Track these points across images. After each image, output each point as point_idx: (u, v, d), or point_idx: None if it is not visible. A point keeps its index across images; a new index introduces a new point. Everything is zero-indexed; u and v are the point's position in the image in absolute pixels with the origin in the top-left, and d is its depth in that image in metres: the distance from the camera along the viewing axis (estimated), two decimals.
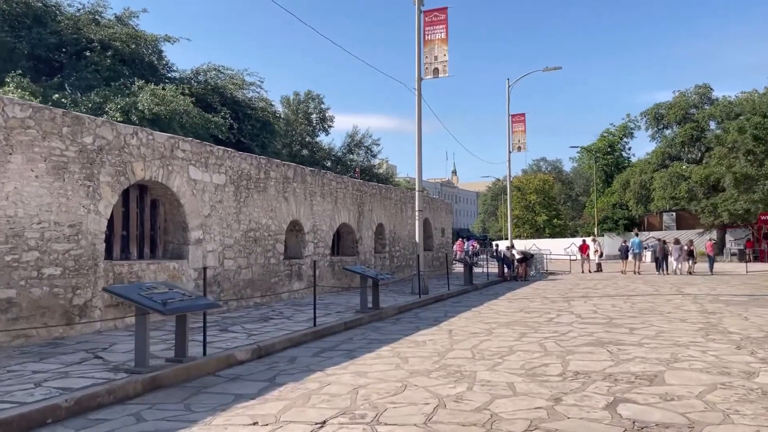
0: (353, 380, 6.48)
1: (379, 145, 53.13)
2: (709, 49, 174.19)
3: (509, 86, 29.95)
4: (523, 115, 30.26)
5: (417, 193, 16.86)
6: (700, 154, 44.21)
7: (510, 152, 29.91)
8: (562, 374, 6.49)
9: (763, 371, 6.34)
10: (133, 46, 23.45)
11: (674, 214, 49.41)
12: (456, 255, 35.79)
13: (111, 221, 10.33)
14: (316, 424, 4.92)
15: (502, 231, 73.88)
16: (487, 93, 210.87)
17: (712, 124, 43.22)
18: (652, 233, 50.39)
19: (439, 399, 5.58)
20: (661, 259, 26.86)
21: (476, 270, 25.38)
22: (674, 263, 26.63)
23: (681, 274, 25.88)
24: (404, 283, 19.62)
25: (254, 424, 4.98)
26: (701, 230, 43.29)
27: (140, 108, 19.68)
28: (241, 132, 25.22)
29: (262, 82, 29.81)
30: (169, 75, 26.57)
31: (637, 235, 31.43)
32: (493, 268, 25.79)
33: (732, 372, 6.35)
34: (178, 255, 11.72)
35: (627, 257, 27.98)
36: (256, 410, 5.38)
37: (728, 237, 42.50)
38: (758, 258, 36.19)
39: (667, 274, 26.00)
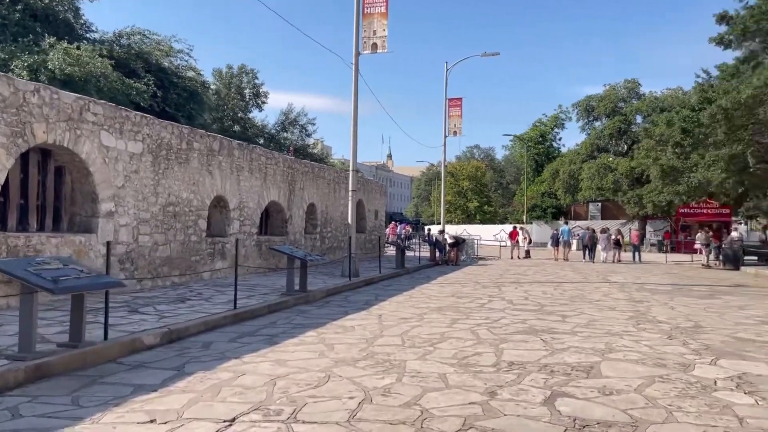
0: (272, 369, 5.89)
1: (314, 124, 52.05)
2: (640, 47, 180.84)
3: (447, 70, 29.69)
4: (459, 99, 30.08)
5: (351, 173, 16.26)
6: (626, 147, 45.62)
7: (446, 136, 29.71)
8: (496, 365, 6.12)
9: (699, 364, 6.17)
10: (47, 1, 21.54)
11: (600, 204, 50.96)
12: (389, 238, 35.55)
13: (6, 188, 9.23)
14: (224, 422, 4.31)
15: (435, 216, 74.48)
16: (425, 77, 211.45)
17: (639, 118, 44.64)
18: (579, 222, 51.84)
19: (366, 392, 5.07)
20: (589, 248, 27.56)
21: (408, 254, 25.15)
22: (602, 252, 27.38)
23: (608, 262, 26.59)
24: (335, 265, 19.07)
25: (151, 421, 4.32)
26: (624, 221, 44.82)
27: (50, 68, 18.02)
28: (166, 101, 23.75)
29: (191, 49, 28.26)
30: (88, 36, 24.66)
31: (566, 223, 32.21)
32: (425, 252, 25.62)
33: (668, 364, 6.15)
34: (86, 228, 10.68)
35: (557, 245, 28.69)
36: (156, 405, 4.71)
37: (648, 228, 44.19)
38: (675, 249, 37.85)
39: (594, 262, 26.67)
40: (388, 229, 38.77)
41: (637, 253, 28.07)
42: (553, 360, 6.34)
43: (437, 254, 24.43)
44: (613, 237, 27.75)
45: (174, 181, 12.71)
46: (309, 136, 52.86)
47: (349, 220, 16.23)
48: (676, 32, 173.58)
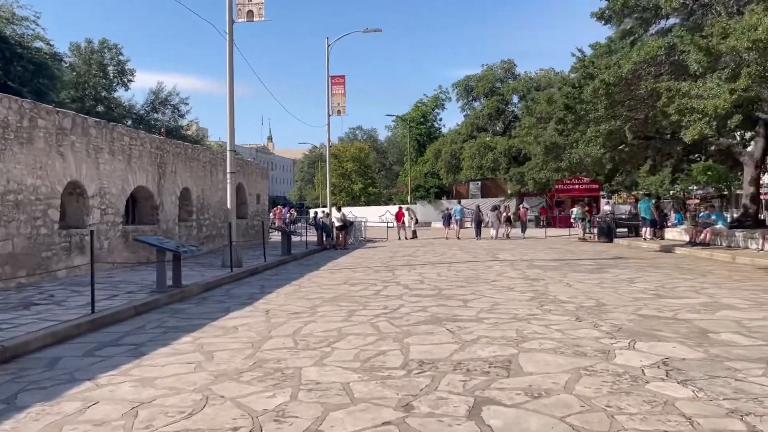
0: (135, 393, 4.73)
1: (187, 104, 49.04)
2: (515, 30, 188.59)
3: (329, 45, 28.60)
4: (342, 77, 29.15)
5: (228, 153, 14.86)
6: (504, 127, 47.02)
7: (329, 115, 28.71)
8: (405, 366, 5.34)
9: (618, 349, 5.75)
10: None
11: (479, 183, 52.38)
12: (274, 223, 34.15)
13: None
14: None
15: (320, 199, 73.42)
16: (306, 56, 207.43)
17: (515, 98, 46.09)
18: (463, 201, 53.09)
19: (254, 418, 4.08)
20: (477, 225, 28.26)
21: (295, 239, 24.05)
22: (492, 229, 28.14)
23: (499, 238, 27.22)
24: (215, 255, 17.62)
25: None
26: (503, 198, 46.32)
27: None
28: (8, 74, 20.73)
29: (39, 17, 24.70)
30: None
31: (459, 202, 32.64)
32: (312, 236, 24.65)
33: (587, 352, 5.68)
34: None
35: (449, 224, 28.98)
36: None
37: (524, 204, 46.03)
38: (550, 224, 39.68)
39: (480, 239, 27.16)
40: (272, 214, 37.29)
41: (525, 229, 29.29)
42: (466, 355, 5.67)
43: (325, 238, 23.54)
44: (504, 214, 28.71)
45: (14, 164, 10.77)
46: (182, 116, 49.80)
47: (228, 205, 14.86)
48: (556, 16, 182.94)
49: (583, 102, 16.82)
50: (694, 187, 59.35)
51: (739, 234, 18.12)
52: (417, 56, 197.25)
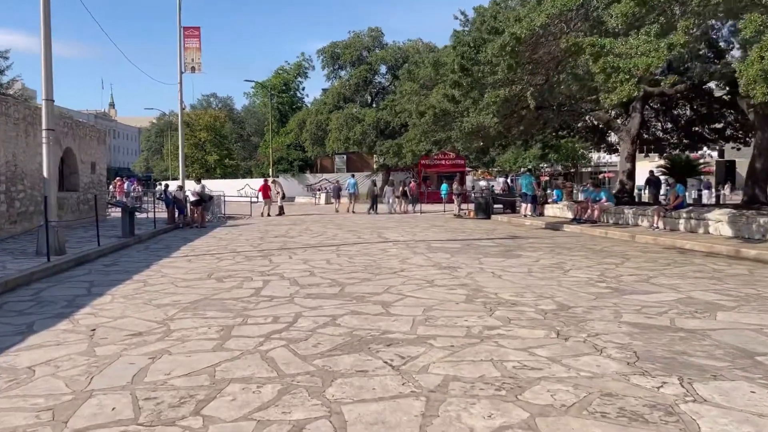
0: None
1: (7, 58, 41.67)
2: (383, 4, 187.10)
3: None
4: (197, 29, 25.14)
5: (44, 103, 11.04)
6: (371, 98, 45.05)
7: (182, 72, 24.68)
8: None
9: (679, 402, 3.64)
10: None
11: (345, 156, 50.21)
12: (114, 198, 29.49)
13: None
14: None
15: (169, 170, 67.16)
16: (158, 15, 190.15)
17: (383, 68, 44.20)
18: (325, 175, 50.60)
19: None
20: (372, 199, 28.44)
21: (140, 216, 20.29)
22: (386, 205, 29.03)
23: (394, 212, 27.78)
24: (32, 237, 13.67)
25: None
26: (369, 173, 44.55)
27: None
28: None
29: None
30: None
31: (353, 176, 32.40)
32: (162, 213, 20.99)
33: (640, 411, 3.49)
34: None
35: (339, 197, 30.00)
36: None
37: (391, 179, 44.66)
38: (418, 200, 38.65)
39: (377, 213, 27.34)
40: (112, 187, 32.32)
41: (417, 204, 29.79)
42: (449, 429, 3.26)
43: (177, 215, 20.00)
44: (401, 189, 29.31)
45: None
46: (2, 73, 42.26)
47: (45, 173, 11.09)
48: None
49: (479, 63, 14.97)
50: (544, 165, 61.96)
51: (628, 211, 17.50)
52: (277, 23, 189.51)
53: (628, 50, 10.65)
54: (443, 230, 17.76)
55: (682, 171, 23.15)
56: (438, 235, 16.04)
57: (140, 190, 37.22)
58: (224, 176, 57.87)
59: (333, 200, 29.47)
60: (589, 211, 18.43)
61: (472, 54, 15.08)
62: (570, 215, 20.60)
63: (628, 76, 10.46)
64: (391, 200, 28.93)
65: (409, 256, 11.19)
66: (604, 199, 18.61)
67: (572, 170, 64.03)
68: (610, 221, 18.12)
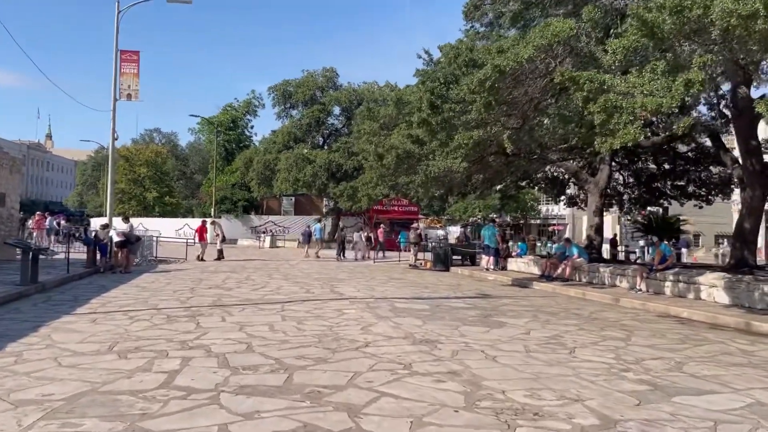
0: None
1: None
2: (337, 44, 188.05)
3: (119, 12, 22.34)
4: (136, 53, 22.95)
5: None
6: (323, 139, 43.38)
7: (116, 99, 22.31)
8: None
9: None
10: None
11: (293, 198, 48.07)
12: (32, 234, 26.44)
13: None
14: None
15: (104, 206, 63.27)
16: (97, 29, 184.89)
17: (337, 109, 42.73)
18: (271, 217, 48.22)
19: None
20: (339, 244, 28.14)
21: (58, 257, 17.67)
22: (353, 251, 28.19)
23: (359, 260, 26.88)
24: None
25: None
26: (318, 216, 42.50)
27: None
28: None
29: None
30: None
31: (319, 221, 31.86)
32: (82, 254, 18.36)
33: None
34: None
35: (309, 242, 29.06)
36: None
37: (341, 224, 42.70)
38: (373, 247, 36.78)
39: (345, 260, 26.70)
40: (31, 222, 29.11)
41: (382, 252, 28.86)
42: None
43: (98, 257, 17.41)
44: (365, 235, 28.89)
45: None
46: None
47: None
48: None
49: (450, 101, 13.44)
50: (494, 215, 61.34)
51: (604, 270, 16.05)
52: (230, 62, 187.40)
53: (630, 89, 9.24)
54: (403, 284, 15.86)
55: (661, 228, 22.05)
56: (400, 290, 14.11)
57: (66, 225, 33.96)
58: (163, 215, 54.54)
59: (304, 246, 30.00)
60: (561, 268, 16.91)
61: (442, 90, 13.54)
62: (536, 270, 19.09)
63: (632, 118, 9.01)
64: (360, 248, 28.30)
65: (373, 321, 9.17)
66: (576, 255, 17.16)
67: (521, 222, 63.60)
68: (584, 279, 16.63)
